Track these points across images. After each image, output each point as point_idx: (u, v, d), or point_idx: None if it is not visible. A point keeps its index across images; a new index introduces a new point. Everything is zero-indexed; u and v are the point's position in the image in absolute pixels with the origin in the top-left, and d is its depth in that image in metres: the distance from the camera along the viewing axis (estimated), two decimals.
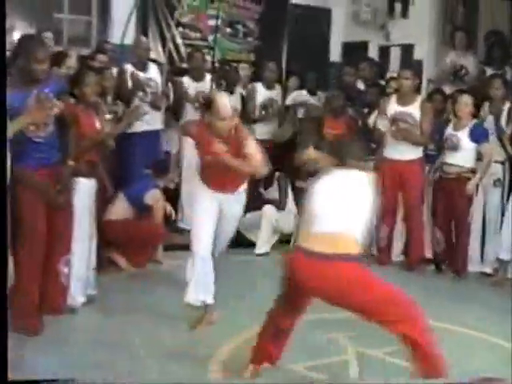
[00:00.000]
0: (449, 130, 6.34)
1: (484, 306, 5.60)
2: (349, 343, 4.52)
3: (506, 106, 6.37)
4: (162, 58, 8.06)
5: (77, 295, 4.92)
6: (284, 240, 7.02)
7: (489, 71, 7.19)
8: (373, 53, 8.80)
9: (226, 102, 4.48)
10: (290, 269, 3.61)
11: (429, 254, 6.64)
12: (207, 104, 4.48)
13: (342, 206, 3.54)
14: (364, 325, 4.74)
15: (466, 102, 6.25)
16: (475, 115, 6.37)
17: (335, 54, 9.29)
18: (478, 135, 6.22)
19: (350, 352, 4.43)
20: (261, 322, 3.97)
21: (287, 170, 7.03)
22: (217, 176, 4.56)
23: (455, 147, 6.26)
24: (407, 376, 3.77)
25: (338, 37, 9.27)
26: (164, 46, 8.21)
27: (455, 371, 3.86)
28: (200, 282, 4.61)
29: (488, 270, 6.46)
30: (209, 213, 4.65)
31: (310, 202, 3.63)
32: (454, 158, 6.28)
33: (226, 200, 4.69)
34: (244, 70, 8.02)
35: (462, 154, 6.25)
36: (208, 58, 7.98)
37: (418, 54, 8.36)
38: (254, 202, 6.94)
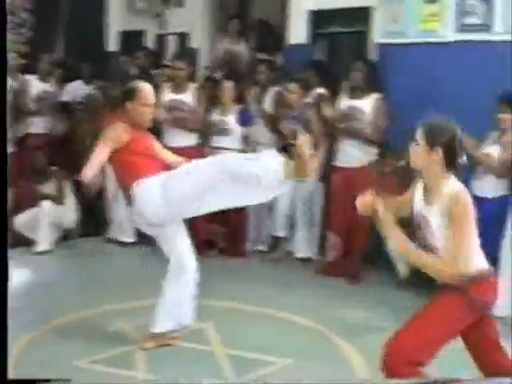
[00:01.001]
0: (216, 116, 6.49)
1: (266, 282, 5.86)
2: (135, 333, 4.54)
3: (273, 89, 6.64)
4: None
5: None
6: (65, 235, 6.88)
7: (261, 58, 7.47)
8: (150, 42, 8.76)
9: (151, 89, 4.42)
10: None
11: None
12: (127, 94, 4.34)
13: None
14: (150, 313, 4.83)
15: (227, 87, 6.44)
16: (240, 100, 6.55)
17: (112, 44, 9.15)
18: (244, 119, 6.44)
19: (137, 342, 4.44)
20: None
21: (64, 164, 6.84)
22: None
23: (225, 132, 6.44)
24: None
25: (114, 26, 9.13)
26: None
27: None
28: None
29: (263, 248, 6.74)
30: None
31: None
32: (223, 142, 6.45)
33: None
34: (12, 62, 7.65)
35: (231, 138, 6.45)
36: None
37: (194, 42, 8.45)
38: (29, 199, 6.72)
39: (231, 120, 6.44)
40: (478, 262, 3.12)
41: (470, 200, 3.05)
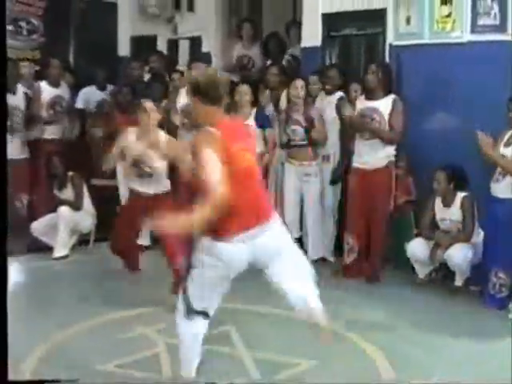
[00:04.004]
0: None
1: None
2: (158, 336, 4.56)
3: (285, 92, 6.64)
4: None
5: None
6: (82, 241, 6.91)
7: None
8: (161, 46, 8.78)
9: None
10: None
11: None
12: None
13: None
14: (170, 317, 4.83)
15: (244, 91, 6.42)
16: (254, 103, 6.54)
17: (124, 49, 9.18)
18: (262, 121, 6.44)
19: (161, 344, 4.46)
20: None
21: (80, 169, 6.87)
22: None
23: None
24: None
25: (126, 31, 9.16)
26: None
27: None
28: None
29: None
30: None
31: None
32: None
33: None
34: (25, 69, 7.68)
35: None
36: None
37: (205, 47, 8.45)
38: (47, 205, 6.76)
39: (251, 123, 6.42)
40: None
41: None
